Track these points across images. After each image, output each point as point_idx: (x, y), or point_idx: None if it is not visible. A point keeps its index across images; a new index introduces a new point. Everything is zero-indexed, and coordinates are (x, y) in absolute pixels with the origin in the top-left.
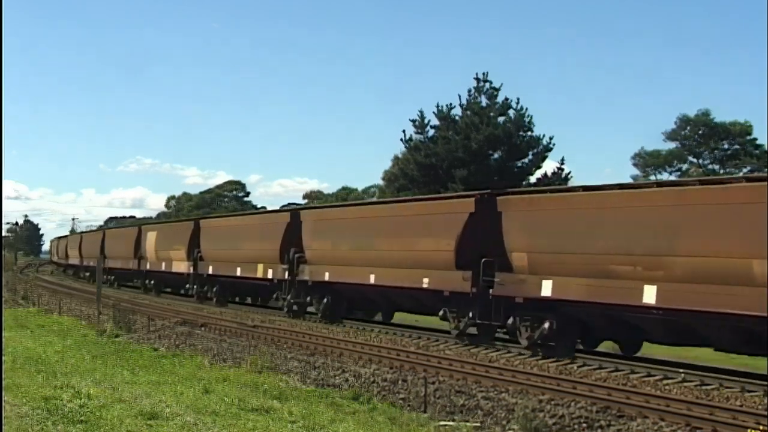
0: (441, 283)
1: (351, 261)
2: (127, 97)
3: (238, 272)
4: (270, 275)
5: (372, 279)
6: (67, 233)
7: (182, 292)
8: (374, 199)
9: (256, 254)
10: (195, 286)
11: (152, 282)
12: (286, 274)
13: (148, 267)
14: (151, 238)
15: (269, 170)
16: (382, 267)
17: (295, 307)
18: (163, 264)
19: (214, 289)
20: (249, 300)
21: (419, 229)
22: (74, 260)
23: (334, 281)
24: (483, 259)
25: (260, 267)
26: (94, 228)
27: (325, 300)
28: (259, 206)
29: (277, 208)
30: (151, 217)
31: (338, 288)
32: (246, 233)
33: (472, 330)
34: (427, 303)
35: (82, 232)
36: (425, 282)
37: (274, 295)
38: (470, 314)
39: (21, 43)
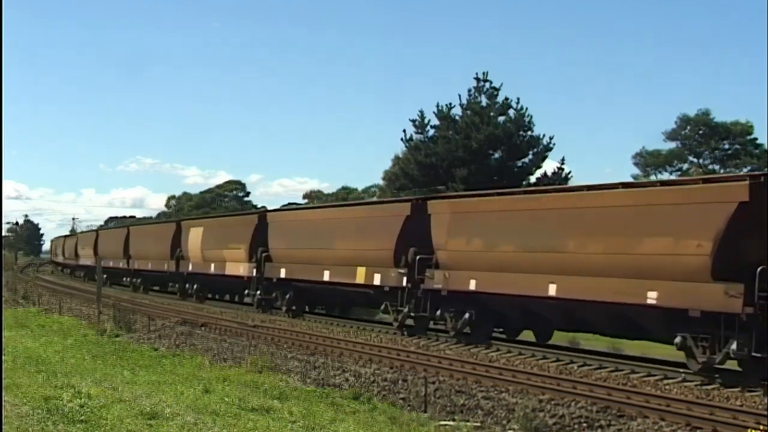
0: (683, 300)
1: (516, 266)
2: (127, 97)
3: (326, 277)
4: (377, 281)
5: (552, 290)
6: (68, 233)
7: (228, 297)
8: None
9: (355, 255)
10: (258, 292)
11: (195, 286)
12: (404, 280)
13: (190, 269)
14: (194, 235)
15: (269, 170)
16: (570, 275)
17: (411, 322)
18: (212, 266)
19: (287, 297)
20: (326, 309)
21: (642, 225)
22: (87, 261)
23: (482, 291)
24: (759, 268)
25: (361, 271)
26: (94, 227)
27: (466, 315)
28: (259, 206)
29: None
30: (151, 217)
31: (486, 300)
32: (341, 229)
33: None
34: (651, 325)
35: (98, 229)
36: (652, 297)
37: (382, 306)
38: (735, 344)
39: (21, 43)
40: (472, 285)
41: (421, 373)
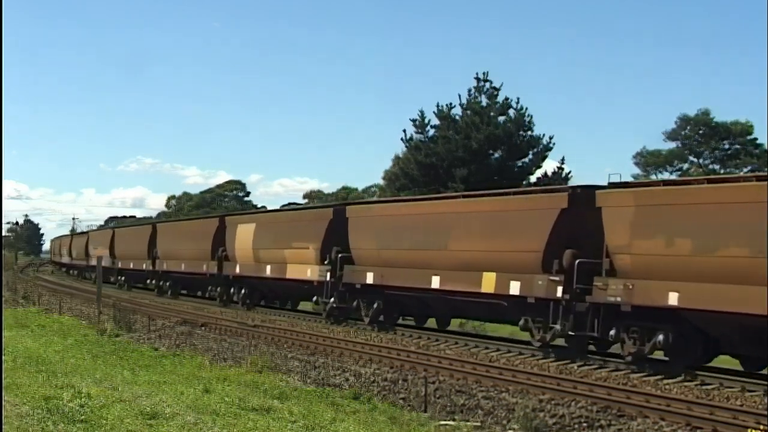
0: None
1: (752, 276)
2: (127, 97)
3: (435, 284)
4: (515, 290)
5: None
6: (68, 232)
7: (278, 304)
8: None
9: (480, 257)
10: (332, 300)
11: (243, 291)
12: (559, 290)
13: (237, 271)
14: (244, 232)
15: (269, 170)
16: None
17: (566, 344)
18: (268, 268)
19: (375, 306)
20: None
21: None
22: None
23: (688, 308)
24: None
25: (489, 277)
26: (94, 227)
27: (659, 337)
28: (259, 206)
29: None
30: (151, 217)
31: (692, 318)
32: (459, 225)
33: None
34: None
35: (114, 226)
36: None
37: (521, 322)
38: None
39: (21, 43)
40: (673, 299)
41: (421, 373)
